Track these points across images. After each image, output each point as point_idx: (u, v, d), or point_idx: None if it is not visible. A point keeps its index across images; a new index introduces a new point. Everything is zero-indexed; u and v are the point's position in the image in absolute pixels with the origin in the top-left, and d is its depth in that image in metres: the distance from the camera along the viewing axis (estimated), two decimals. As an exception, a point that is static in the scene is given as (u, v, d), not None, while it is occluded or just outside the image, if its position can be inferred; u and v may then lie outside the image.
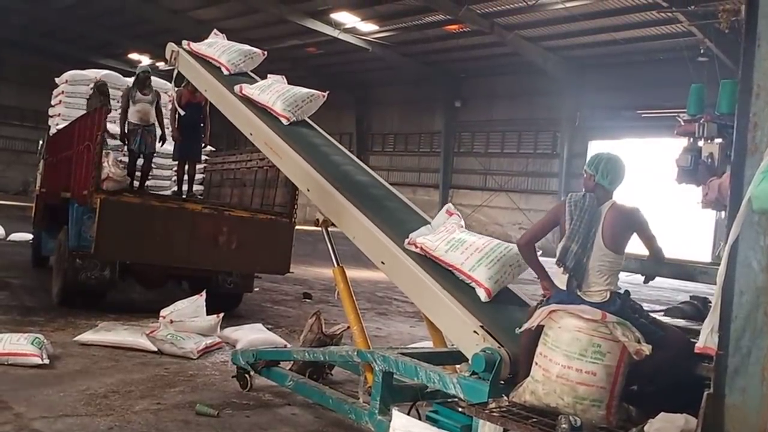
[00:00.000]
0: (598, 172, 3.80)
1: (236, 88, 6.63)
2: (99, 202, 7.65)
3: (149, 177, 10.27)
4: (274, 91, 6.46)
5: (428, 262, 4.50)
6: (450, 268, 4.42)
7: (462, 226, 4.79)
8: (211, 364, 6.72)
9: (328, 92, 6.61)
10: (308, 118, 6.55)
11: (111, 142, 9.24)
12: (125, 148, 9.57)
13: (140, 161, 9.63)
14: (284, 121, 6.24)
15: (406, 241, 4.65)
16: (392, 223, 5.03)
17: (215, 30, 8.01)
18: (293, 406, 5.56)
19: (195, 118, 9.59)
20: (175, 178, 10.64)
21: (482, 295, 4.26)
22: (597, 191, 3.80)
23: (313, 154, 5.85)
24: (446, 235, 4.61)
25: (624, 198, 3.85)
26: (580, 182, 3.99)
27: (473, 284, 4.32)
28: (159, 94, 9.72)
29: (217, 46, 7.50)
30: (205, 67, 7.41)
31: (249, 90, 6.57)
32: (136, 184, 9.54)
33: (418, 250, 4.58)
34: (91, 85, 11.15)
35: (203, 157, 11.01)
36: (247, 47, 7.50)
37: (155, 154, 9.82)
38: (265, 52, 7.54)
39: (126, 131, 9.36)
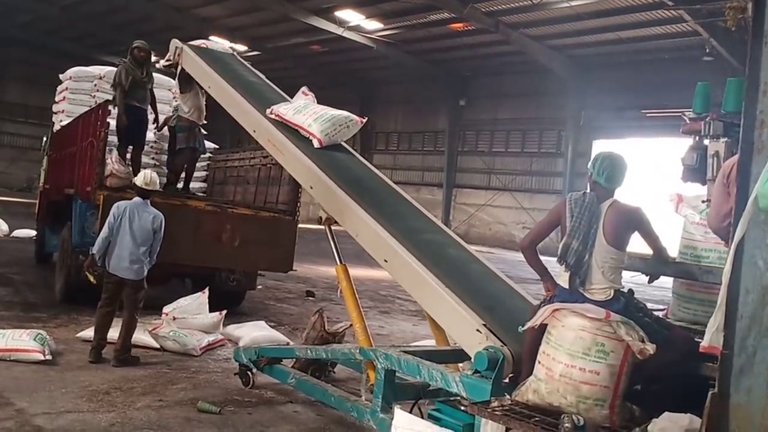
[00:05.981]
0: (595, 170, 3.81)
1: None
2: (102, 198, 7.64)
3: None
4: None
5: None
6: (296, 127, 5.84)
7: (314, 102, 6.10)
8: (213, 361, 6.73)
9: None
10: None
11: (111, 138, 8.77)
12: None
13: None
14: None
15: (268, 111, 6.03)
16: (395, 220, 5.01)
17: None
18: (295, 403, 5.56)
19: None
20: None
21: (315, 143, 5.69)
22: (596, 189, 3.81)
23: (316, 152, 5.83)
24: (296, 105, 5.99)
25: (627, 197, 3.83)
26: (584, 181, 3.99)
27: (310, 137, 5.71)
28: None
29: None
30: (212, 66, 7.38)
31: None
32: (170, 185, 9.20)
33: (275, 117, 5.96)
34: (95, 82, 11.05)
35: (207, 154, 10.96)
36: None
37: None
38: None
39: (176, 127, 8.96)
